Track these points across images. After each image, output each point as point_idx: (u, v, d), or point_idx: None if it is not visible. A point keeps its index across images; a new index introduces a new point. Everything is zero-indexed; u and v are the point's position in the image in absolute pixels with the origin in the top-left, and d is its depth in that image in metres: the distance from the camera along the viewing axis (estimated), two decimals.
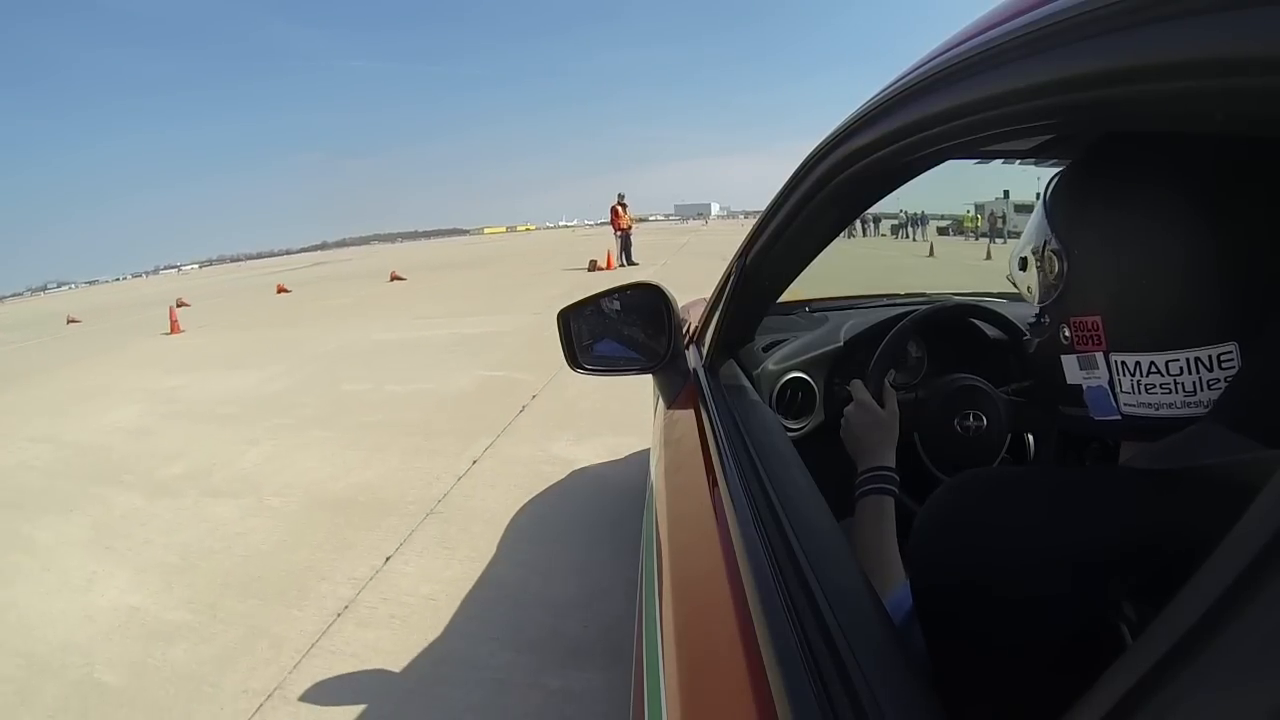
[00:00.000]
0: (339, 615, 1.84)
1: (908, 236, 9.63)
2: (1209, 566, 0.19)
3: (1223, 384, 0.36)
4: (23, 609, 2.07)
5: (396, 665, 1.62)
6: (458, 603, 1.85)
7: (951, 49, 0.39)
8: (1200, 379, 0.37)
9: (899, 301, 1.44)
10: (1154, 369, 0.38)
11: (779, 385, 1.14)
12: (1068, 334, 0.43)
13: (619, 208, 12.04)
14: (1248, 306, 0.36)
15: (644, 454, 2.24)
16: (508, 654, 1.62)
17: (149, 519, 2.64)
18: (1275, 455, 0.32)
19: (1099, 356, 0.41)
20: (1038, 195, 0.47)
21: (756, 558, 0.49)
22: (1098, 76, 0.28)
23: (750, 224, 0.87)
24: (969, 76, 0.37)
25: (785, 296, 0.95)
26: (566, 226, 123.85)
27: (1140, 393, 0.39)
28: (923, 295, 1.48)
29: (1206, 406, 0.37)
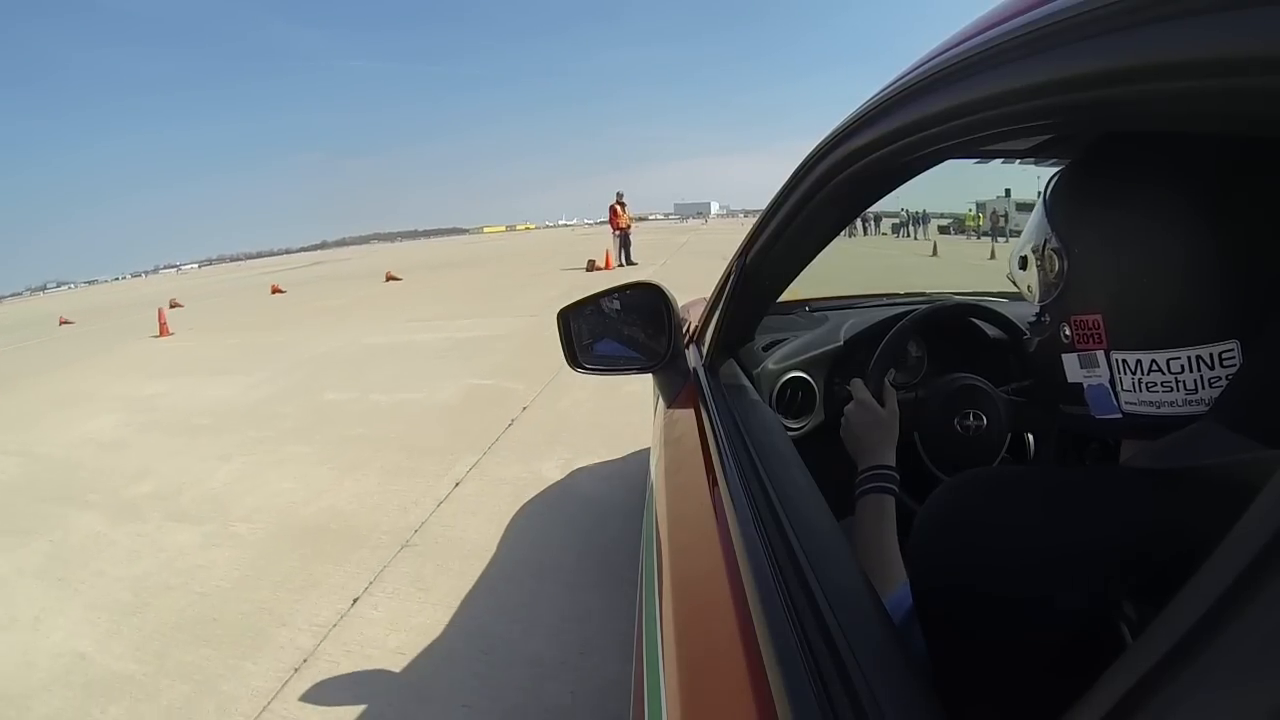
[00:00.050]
0: (296, 670, 1.64)
1: (909, 235, 9.62)
2: (1209, 566, 0.19)
3: (1224, 382, 0.36)
4: None
5: None
6: (429, 657, 1.65)
7: (951, 49, 0.39)
8: (1202, 377, 0.37)
9: (899, 301, 1.44)
10: (1155, 367, 0.38)
11: (779, 385, 1.14)
12: (1068, 332, 0.43)
13: (618, 207, 11.98)
14: (1248, 305, 0.36)
15: (640, 479, 2.14)
16: None
17: (107, 546, 2.49)
18: (1275, 455, 0.32)
19: (1100, 355, 0.41)
20: (1038, 194, 0.47)
21: (756, 557, 0.49)
22: (1097, 76, 0.28)
23: (750, 223, 0.87)
24: (969, 76, 0.37)
25: (785, 296, 0.95)
26: (566, 226, 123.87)
27: (1141, 391, 0.39)
28: (923, 295, 1.48)
29: (1208, 405, 0.37)
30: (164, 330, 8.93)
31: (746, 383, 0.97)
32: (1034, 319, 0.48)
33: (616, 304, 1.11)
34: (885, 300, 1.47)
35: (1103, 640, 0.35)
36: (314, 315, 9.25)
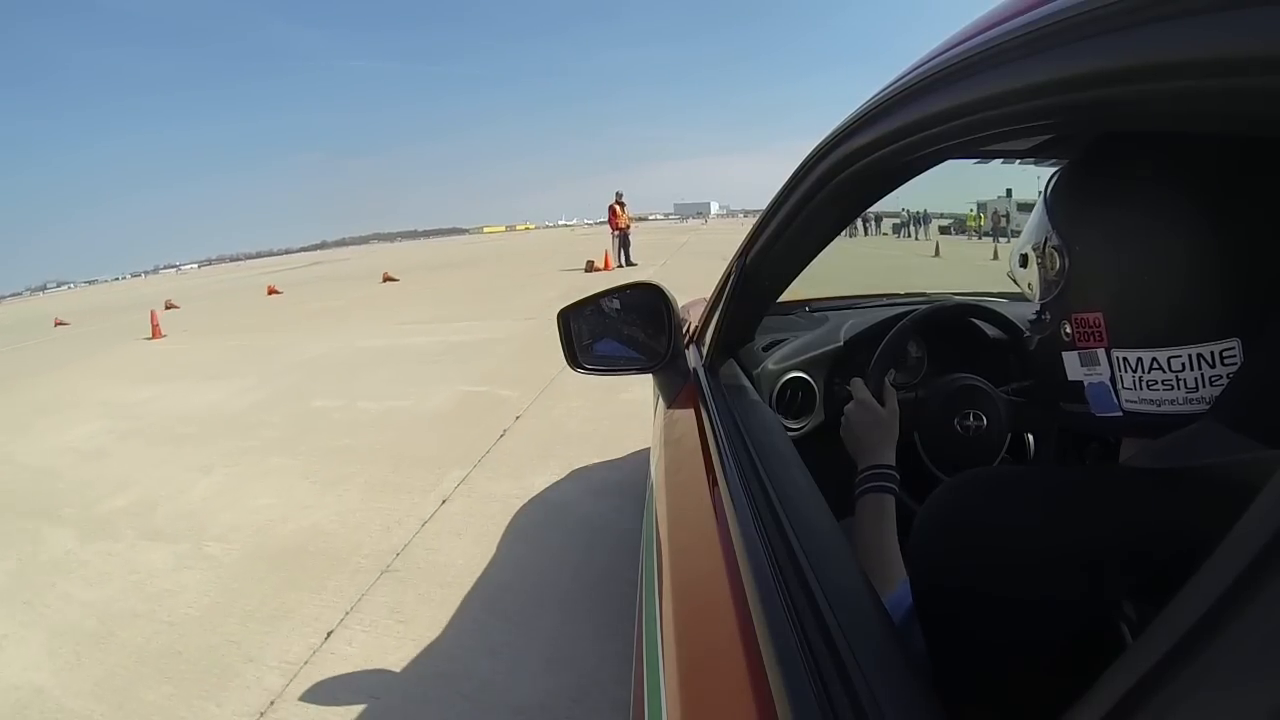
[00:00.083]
0: (261, 715, 1.53)
1: (910, 235, 9.61)
2: (1209, 566, 0.19)
3: (1225, 380, 0.36)
4: None
5: None
6: (405, 701, 1.53)
7: (951, 49, 0.39)
8: (1203, 375, 0.37)
9: (899, 301, 1.44)
10: (1156, 365, 0.38)
11: (779, 385, 1.14)
12: (1069, 330, 0.43)
13: (617, 206, 11.95)
14: (1249, 303, 0.36)
15: (636, 496, 2.06)
16: None
17: (77, 566, 2.39)
18: (1275, 455, 0.32)
19: (1100, 353, 0.41)
20: (1039, 193, 0.47)
21: (756, 558, 0.49)
22: (1097, 76, 0.28)
23: (750, 223, 0.87)
24: (969, 76, 0.37)
25: (785, 296, 0.95)
26: (566, 226, 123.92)
27: (1142, 389, 0.39)
28: (923, 295, 1.48)
29: (1208, 403, 0.37)
30: (156, 333, 8.90)
31: (746, 383, 0.97)
32: (1034, 317, 0.48)
33: (616, 304, 1.11)
34: (885, 300, 1.47)
35: (1103, 640, 0.35)
36: (309, 317, 9.20)
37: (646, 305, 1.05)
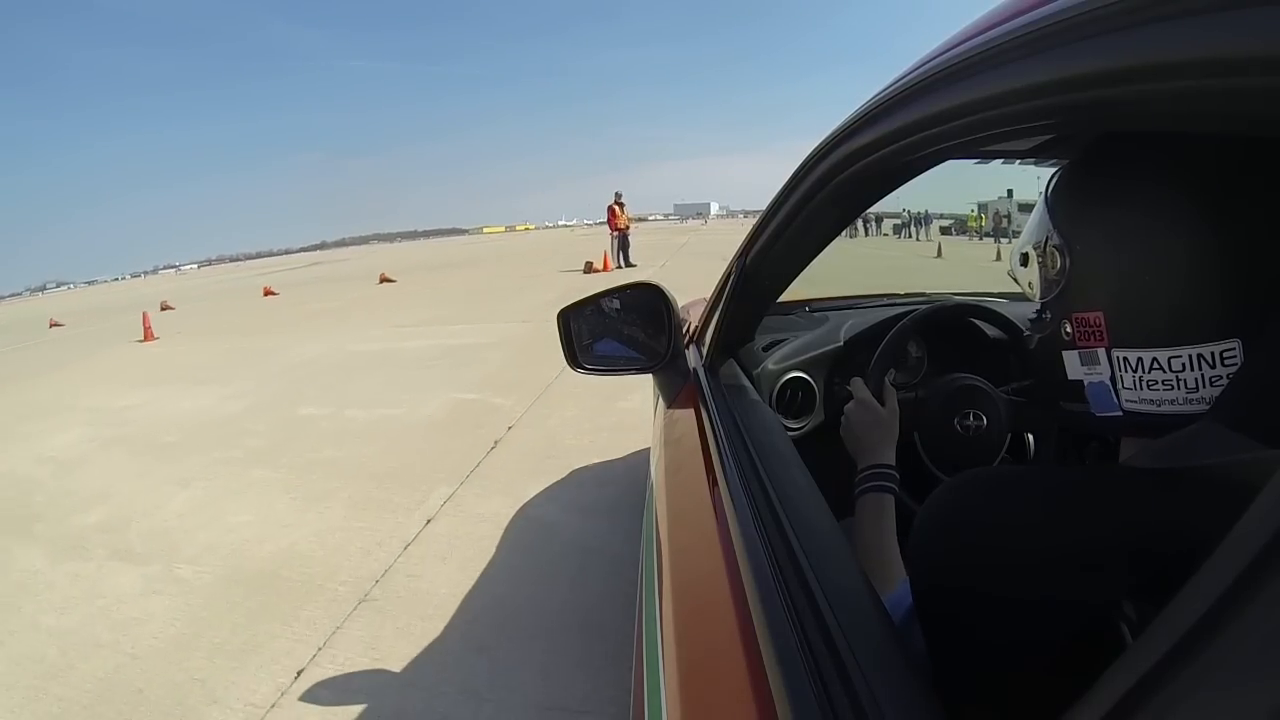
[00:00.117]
0: None
1: (911, 236, 9.61)
2: (1209, 566, 0.19)
3: (1225, 381, 0.36)
4: None
5: None
6: None
7: (951, 49, 0.39)
8: (1203, 375, 0.37)
9: (899, 301, 1.44)
10: (1156, 365, 0.38)
11: (779, 385, 1.14)
12: (1069, 330, 0.43)
13: (616, 207, 11.91)
14: (1249, 304, 0.36)
15: (632, 517, 1.98)
16: None
17: (44, 589, 2.29)
18: (1275, 455, 0.32)
19: (1101, 352, 0.41)
20: (1040, 192, 0.47)
21: (756, 558, 0.49)
22: (1097, 76, 0.28)
23: (749, 223, 0.87)
24: (969, 76, 0.37)
25: (785, 296, 0.95)
26: (565, 226, 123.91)
27: (1142, 389, 0.39)
28: (923, 295, 1.48)
29: (1208, 403, 0.37)
30: (149, 335, 8.87)
31: (746, 383, 0.97)
32: (1035, 316, 0.48)
33: (616, 304, 1.11)
34: (885, 300, 1.47)
35: (1103, 640, 0.36)
36: (303, 319, 9.15)
37: (646, 305, 1.05)
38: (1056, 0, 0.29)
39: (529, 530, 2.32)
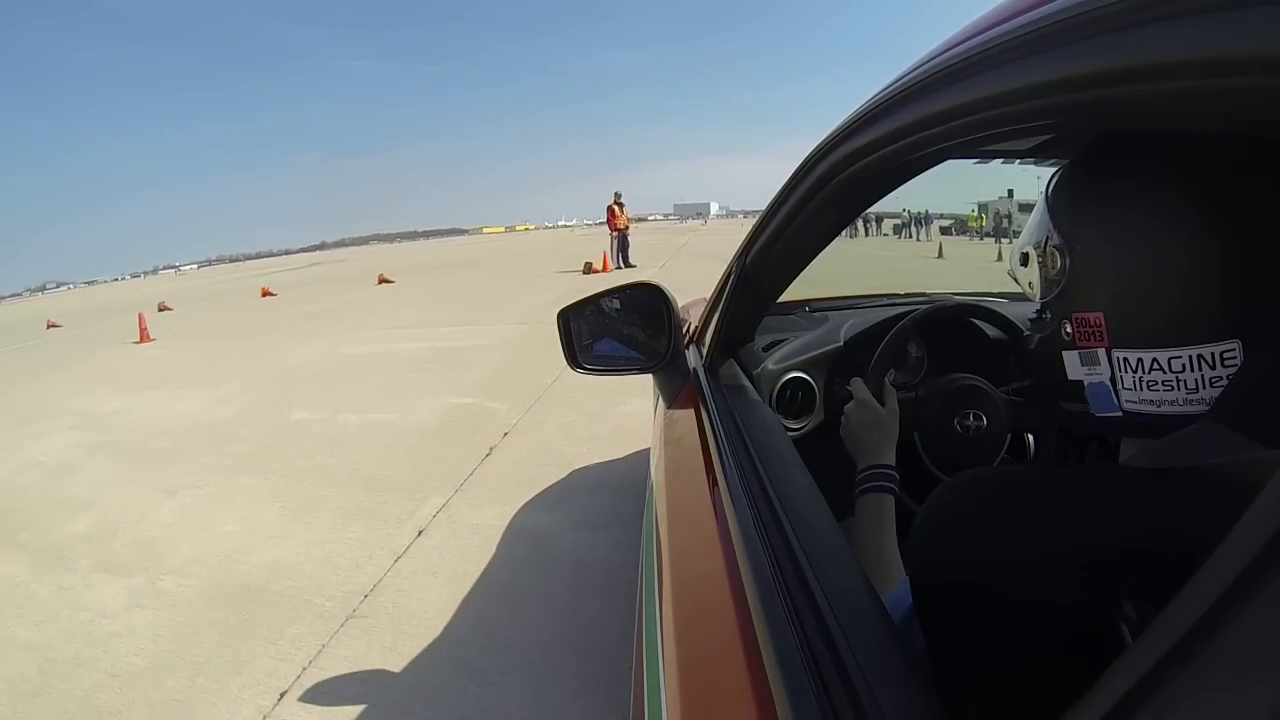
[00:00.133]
0: None
1: (911, 236, 9.60)
2: (1209, 566, 0.19)
3: (1225, 381, 0.36)
4: None
5: None
6: None
7: (951, 49, 0.39)
8: (1203, 376, 0.37)
9: (899, 301, 1.44)
10: (1156, 365, 0.38)
11: (779, 385, 1.14)
12: (1069, 330, 0.43)
13: (615, 207, 11.86)
14: (1250, 304, 0.36)
15: (631, 528, 1.96)
16: None
17: (25, 601, 2.23)
18: (1275, 455, 0.32)
19: (1101, 352, 0.41)
20: (1040, 192, 0.47)
21: (756, 558, 0.49)
22: (1097, 76, 0.28)
23: (749, 223, 0.87)
24: (969, 76, 0.37)
25: (785, 296, 0.95)
26: (565, 226, 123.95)
27: (1142, 389, 0.39)
28: (923, 295, 1.48)
29: (1208, 404, 0.37)
30: (144, 336, 8.83)
31: (746, 383, 0.97)
32: (1035, 316, 0.48)
33: (616, 304, 1.11)
34: (885, 300, 1.47)
35: (1103, 640, 0.35)
36: (300, 320, 9.11)
37: (646, 305, 1.05)
38: (1056, 0, 0.29)
39: (523, 544, 2.25)
